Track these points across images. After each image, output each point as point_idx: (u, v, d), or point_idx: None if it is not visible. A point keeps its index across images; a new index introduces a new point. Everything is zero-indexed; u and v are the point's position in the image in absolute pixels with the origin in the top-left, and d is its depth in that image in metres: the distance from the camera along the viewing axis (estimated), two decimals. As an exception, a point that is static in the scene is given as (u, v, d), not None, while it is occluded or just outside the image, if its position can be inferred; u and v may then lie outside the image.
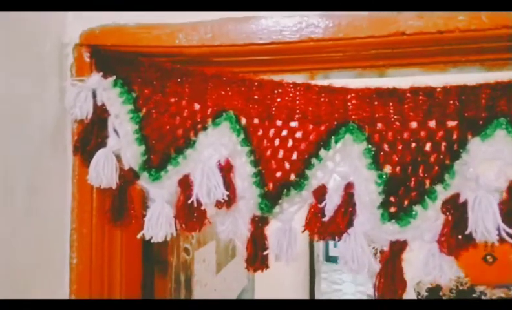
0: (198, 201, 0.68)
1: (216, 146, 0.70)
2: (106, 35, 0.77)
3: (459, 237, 0.57)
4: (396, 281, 0.60)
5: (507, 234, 0.54)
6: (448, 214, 0.59)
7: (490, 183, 0.57)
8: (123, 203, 0.75)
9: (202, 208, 0.69)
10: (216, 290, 1.26)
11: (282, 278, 2.75)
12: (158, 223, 0.71)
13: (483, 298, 4.56)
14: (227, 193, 0.67)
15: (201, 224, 0.70)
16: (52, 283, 0.73)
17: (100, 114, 0.76)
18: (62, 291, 0.74)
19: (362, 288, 6.74)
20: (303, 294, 4.28)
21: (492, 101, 0.59)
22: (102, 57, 0.78)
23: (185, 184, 0.71)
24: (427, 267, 0.59)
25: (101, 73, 0.76)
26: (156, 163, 0.73)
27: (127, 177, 0.74)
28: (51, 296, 0.72)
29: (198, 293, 1.10)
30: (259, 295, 1.94)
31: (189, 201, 0.68)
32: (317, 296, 5.13)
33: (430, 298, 4.88)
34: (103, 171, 0.73)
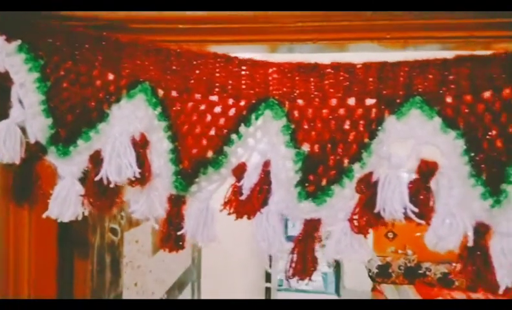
0: (109, 179, 0.63)
1: (131, 119, 0.65)
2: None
3: (369, 216, 0.56)
4: (308, 261, 0.59)
5: (414, 213, 0.54)
6: (361, 192, 0.58)
7: (402, 162, 0.56)
8: (28, 180, 0.68)
9: (112, 186, 0.64)
10: (151, 272, 1.23)
11: (233, 259, 2.75)
12: (66, 202, 0.65)
13: (427, 273, 4.84)
14: (140, 171, 0.63)
15: (111, 203, 0.65)
16: None
17: (2, 82, 0.69)
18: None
19: (317, 266, 6.91)
20: (257, 275, 4.33)
21: (409, 80, 0.58)
22: (5, 18, 0.69)
23: (96, 160, 0.65)
24: (339, 245, 0.58)
25: (4, 37, 0.69)
26: (65, 137, 0.67)
27: (33, 151, 0.68)
28: None
29: (130, 275, 1.06)
30: (206, 275, 1.92)
31: (96, 179, 0.62)
32: (274, 275, 5.23)
33: (380, 275, 5.11)
34: (4, 145, 0.66)
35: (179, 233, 0.64)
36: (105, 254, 0.92)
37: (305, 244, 0.60)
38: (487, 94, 0.57)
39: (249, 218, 0.62)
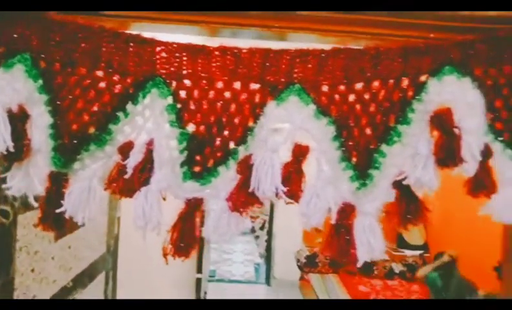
0: (-22, 152, 0.59)
1: (8, 91, 0.61)
2: None
3: (246, 195, 0.59)
4: (188, 236, 0.60)
5: (284, 193, 0.57)
6: (240, 173, 0.60)
7: (277, 145, 0.59)
8: None
9: (-18, 160, 0.60)
10: (54, 258, 1.17)
11: (159, 248, 2.70)
12: None
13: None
14: (13, 144, 0.59)
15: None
16: None
17: None
18: None
19: (250, 257, 7.07)
20: (187, 265, 4.30)
21: (290, 67, 0.62)
22: None
23: (-34, 132, 0.61)
24: (218, 223, 0.60)
25: None
26: None
27: None
28: None
29: (24, 260, 1.00)
30: (124, 265, 1.87)
31: (-39, 151, 0.58)
32: (205, 265, 5.22)
33: (307, 264, 5.31)
34: None
35: (57, 211, 0.62)
36: (-9, 237, 0.87)
37: (186, 222, 0.61)
38: (358, 85, 0.62)
39: (130, 196, 0.61)
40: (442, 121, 0.57)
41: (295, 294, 5.01)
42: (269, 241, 6.02)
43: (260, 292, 5.79)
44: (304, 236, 5.30)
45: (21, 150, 0.61)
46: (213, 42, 0.67)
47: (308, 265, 5.12)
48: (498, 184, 0.61)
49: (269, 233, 6.03)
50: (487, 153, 0.59)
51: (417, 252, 5.08)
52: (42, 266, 1.11)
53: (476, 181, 0.59)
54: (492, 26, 0.58)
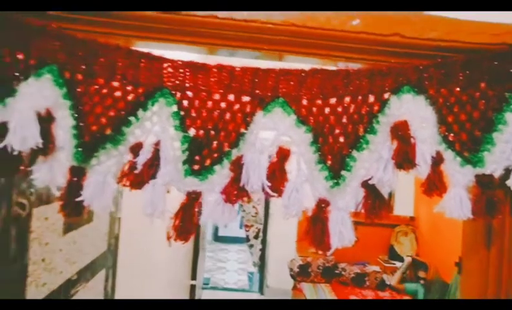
0: (12, 147, 0.70)
1: (38, 97, 0.73)
2: None
3: (237, 189, 0.70)
4: (187, 223, 0.71)
5: (269, 187, 0.69)
6: (233, 171, 0.72)
7: (264, 148, 0.71)
8: None
9: (16, 154, 0.71)
10: (61, 251, 1.27)
11: (156, 253, 2.79)
12: (-32, 167, 0.71)
13: (343, 273, 5.21)
14: (43, 141, 0.70)
15: (14, 170, 0.72)
16: None
17: None
18: None
19: (244, 265, 7.15)
20: (183, 271, 4.38)
21: (276, 83, 0.73)
22: None
23: (2, 130, 0.72)
24: (213, 212, 0.71)
25: None
26: (-29, 107, 0.72)
27: None
28: None
29: (36, 250, 1.10)
30: (123, 265, 1.96)
31: (1, 146, 0.69)
32: (200, 273, 5.29)
33: (300, 274, 5.37)
34: None
35: (77, 200, 0.73)
36: (10, 225, 0.97)
37: (186, 211, 0.72)
38: (332, 100, 0.74)
39: (139, 188, 0.72)
40: (400, 131, 0.68)
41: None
42: (263, 250, 6.11)
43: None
44: (297, 246, 5.40)
45: (47, 147, 0.72)
46: (211, 59, 0.79)
47: (301, 274, 5.20)
48: (449, 185, 0.72)
49: (263, 242, 6.12)
50: (438, 159, 0.71)
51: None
52: (51, 257, 1.21)
53: (429, 182, 0.71)
54: (443, 54, 0.71)
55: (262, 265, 6.09)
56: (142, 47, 0.78)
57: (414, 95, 0.70)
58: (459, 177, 0.72)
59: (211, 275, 6.57)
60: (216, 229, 8.68)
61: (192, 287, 4.90)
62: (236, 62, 0.77)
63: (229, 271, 6.96)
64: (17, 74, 0.73)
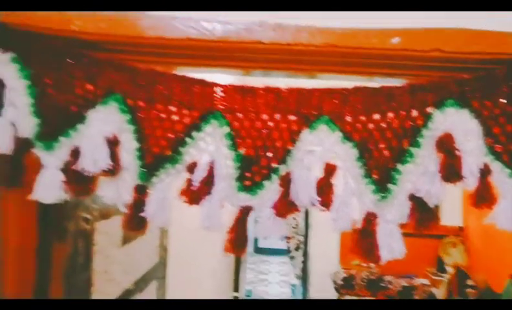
0: (85, 169, 0.79)
1: (105, 122, 0.81)
2: (9, 15, 0.84)
3: (287, 204, 0.74)
4: (240, 236, 0.76)
5: (318, 202, 0.72)
6: (282, 186, 0.76)
7: (312, 164, 0.75)
8: (17, 168, 0.83)
9: (89, 175, 0.79)
10: (120, 263, 1.36)
11: (200, 264, 2.87)
12: (48, 187, 0.80)
13: (389, 286, 5.06)
14: (111, 164, 0.79)
15: (88, 190, 0.81)
16: None
17: (-2, 87, 0.83)
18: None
19: (286, 278, 7.12)
20: (225, 282, 4.44)
21: (320, 102, 0.77)
22: (2, 33, 0.85)
23: (75, 154, 0.81)
24: (265, 226, 0.76)
25: (1, 49, 0.83)
26: (50, 134, 0.82)
27: (22, 145, 0.83)
28: None
29: (99, 262, 1.19)
30: (172, 275, 2.06)
31: (75, 168, 0.78)
32: (241, 285, 5.34)
33: (344, 287, 5.29)
34: (-2, 139, 0.81)
35: (141, 215, 0.80)
36: (78, 240, 1.07)
37: (239, 225, 0.77)
38: (376, 116, 0.77)
39: (197, 204, 0.78)
40: (445, 145, 0.70)
41: (332, 316, 4.95)
42: (305, 262, 6.05)
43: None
44: (340, 258, 5.31)
45: (114, 168, 0.80)
46: (247, 80, 0.85)
47: (345, 287, 5.10)
48: (498, 197, 0.73)
49: (305, 254, 6.07)
50: (486, 171, 0.71)
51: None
52: (112, 268, 1.31)
53: (478, 194, 0.71)
54: (485, 67, 0.72)
55: (304, 277, 6.04)
56: (181, 72, 0.85)
57: (458, 109, 0.71)
58: (508, 188, 0.72)
59: (252, 287, 6.60)
60: (256, 241, 8.73)
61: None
62: (271, 81, 0.83)
63: (271, 283, 6.96)
64: (86, 103, 0.82)
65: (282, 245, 6.71)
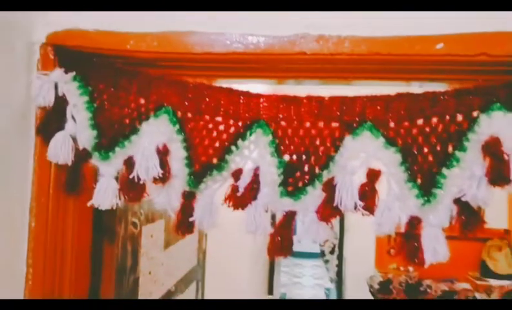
0: (138, 177, 0.84)
1: (156, 133, 0.86)
2: (68, 37, 0.91)
3: (330, 208, 0.76)
4: (285, 240, 0.79)
5: (362, 207, 0.74)
6: (325, 191, 0.78)
7: (355, 169, 0.76)
8: (76, 177, 0.90)
9: (141, 183, 0.85)
10: (163, 264, 1.42)
11: (236, 267, 2.92)
12: (105, 194, 0.86)
13: (429, 291, 4.91)
14: (162, 171, 0.84)
15: (140, 196, 0.86)
16: (12, 242, 0.87)
17: (60, 103, 0.91)
18: (22, 248, 0.89)
19: (320, 281, 7.07)
20: (260, 286, 4.47)
21: (363, 109, 0.79)
22: (64, 55, 0.92)
23: (129, 163, 0.86)
24: (309, 230, 0.78)
25: (63, 69, 0.91)
26: (106, 145, 0.88)
27: (81, 156, 0.89)
28: (12, 251, 0.86)
29: (145, 264, 1.25)
30: (209, 277, 2.11)
31: (131, 177, 0.83)
32: (276, 288, 5.36)
33: (381, 291, 5.17)
34: (60, 150, 0.88)
35: (190, 220, 0.84)
36: (127, 242, 1.13)
37: (284, 229, 0.80)
38: (419, 121, 0.77)
39: (242, 209, 0.82)
40: (492, 149, 0.70)
41: (368, 320, 4.87)
42: (339, 266, 5.99)
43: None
44: (376, 261, 5.21)
45: (164, 176, 0.85)
46: (280, 88, 0.87)
47: (382, 291, 4.99)
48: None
49: (340, 257, 6.01)
50: (535, 175, 0.70)
51: (506, 282, 4.69)
52: (155, 270, 1.37)
53: (527, 198, 0.70)
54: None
55: (339, 281, 5.97)
56: (222, 83, 0.89)
57: (505, 113, 0.71)
58: (559, 191, 0.71)
59: (287, 290, 6.59)
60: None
61: (270, 302, 4.97)
62: (304, 89, 0.85)
63: (306, 287, 6.93)
64: (139, 116, 0.88)
65: (315, 249, 6.67)
